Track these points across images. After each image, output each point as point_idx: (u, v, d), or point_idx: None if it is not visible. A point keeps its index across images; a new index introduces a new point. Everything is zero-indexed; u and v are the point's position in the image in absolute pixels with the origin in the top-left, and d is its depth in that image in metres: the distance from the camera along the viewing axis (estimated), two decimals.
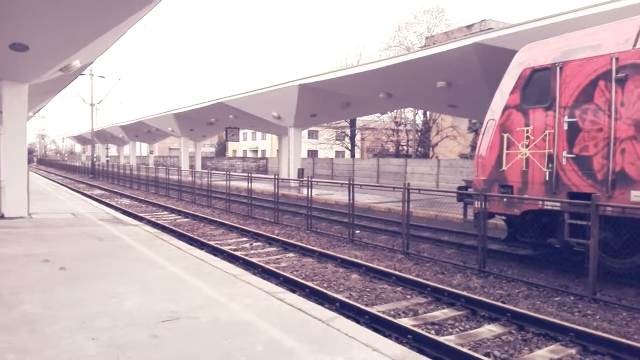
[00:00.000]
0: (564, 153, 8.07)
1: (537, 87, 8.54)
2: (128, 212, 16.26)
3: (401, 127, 45.01)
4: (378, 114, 42.82)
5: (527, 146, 8.61)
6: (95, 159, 51.34)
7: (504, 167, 8.95)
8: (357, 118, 45.07)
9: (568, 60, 8.15)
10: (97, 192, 27.52)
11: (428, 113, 41.31)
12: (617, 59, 7.47)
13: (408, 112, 42.56)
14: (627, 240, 7.61)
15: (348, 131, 48.97)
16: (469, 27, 39.24)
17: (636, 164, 7.18)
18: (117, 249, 8.07)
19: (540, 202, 8.30)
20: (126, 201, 22.09)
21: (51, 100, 23.89)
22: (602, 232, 7.23)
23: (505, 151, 8.94)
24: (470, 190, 9.84)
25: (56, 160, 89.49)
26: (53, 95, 20.72)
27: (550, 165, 8.26)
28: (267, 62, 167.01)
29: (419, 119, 43.26)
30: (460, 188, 10.38)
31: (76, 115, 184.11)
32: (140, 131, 52.62)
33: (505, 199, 8.82)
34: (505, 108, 8.97)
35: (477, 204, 9.06)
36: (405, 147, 45.56)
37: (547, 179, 8.32)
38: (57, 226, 10.39)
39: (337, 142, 52.53)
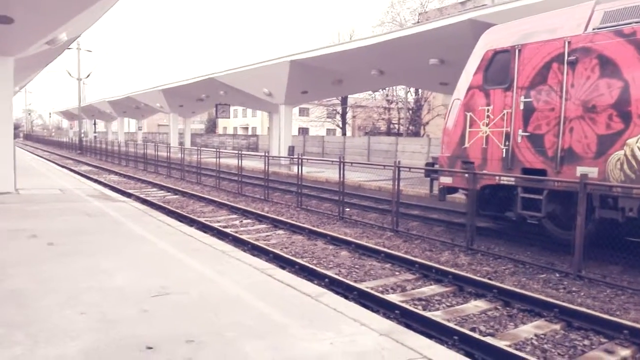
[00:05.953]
0: (520, 131, 8.55)
1: (497, 68, 8.95)
2: (116, 189, 16.14)
3: (393, 105, 44.84)
4: (370, 92, 42.54)
5: (487, 125, 9.08)
6: (82, 135, 50.68)
7: (467, 145, 9.43)
8: (349, 96, 44.77)
9: (526, 43, 8.51)
10: (85, 168, 27.26)
11: (420, 91, 41.14)
12: (569, 42, 7.85)
13: (400, 90, 42.35)
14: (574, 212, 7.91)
15: (339, 109, 48.66)
16: (462, 3, 38.82)
17: (582, 141, 7.68)
18: (106, 225, 8.03)
19: (497, 177, 8.79)
20: (114, 177, 21.92)
21: (38, 74, 23.40)
22: (551, 206, 7.83)
23: (468, 129, 9.41)
24: (436, 167, 10.32)
25: (43, 136, 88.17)
26: (39, 69, 20.26)
27: (507, 143, 8.75)
28: (259, 38, 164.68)
29: (411, 97, 43.10)
30: (427, 164, 10.72)
31: (63, 90, 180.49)
32: (129, 107, 51.80)
33: (467, 175, 9.25)
34: (469, 88, 9.36)
35: (441, 179, 9.74)
36: (396, 126, 45.49)
37: (503, 155, 8.81)
38: (44, 202, 10.29)
39: (328, 119, 52.27)
